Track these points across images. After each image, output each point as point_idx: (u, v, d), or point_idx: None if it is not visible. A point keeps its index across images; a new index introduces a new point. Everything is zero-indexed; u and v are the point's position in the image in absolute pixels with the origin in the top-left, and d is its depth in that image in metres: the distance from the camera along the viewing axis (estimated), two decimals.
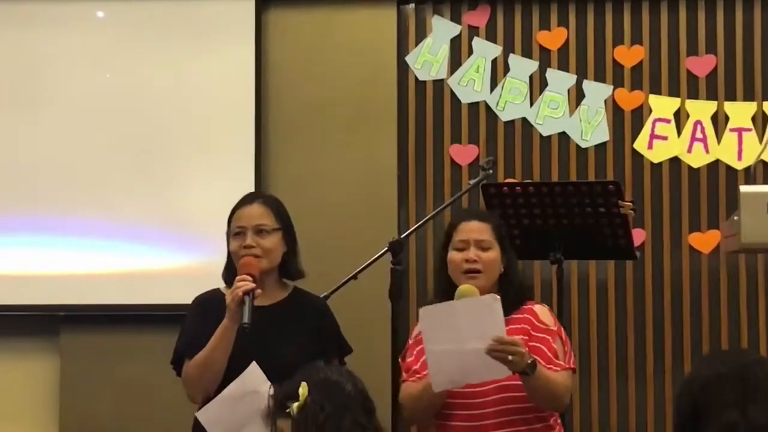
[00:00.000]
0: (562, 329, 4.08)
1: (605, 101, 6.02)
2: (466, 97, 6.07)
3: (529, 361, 3.78)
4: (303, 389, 2.92)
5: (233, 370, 3.84)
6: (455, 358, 3.78)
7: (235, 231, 4.04)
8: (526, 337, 3.91)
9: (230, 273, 4.03)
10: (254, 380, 3.80)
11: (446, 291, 4.02)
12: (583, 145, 6.02)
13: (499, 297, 3.78)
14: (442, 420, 3.99)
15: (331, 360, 4.01)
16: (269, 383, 3.79)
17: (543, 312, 4.06)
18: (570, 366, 4.00)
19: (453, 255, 4.06)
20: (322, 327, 4.08)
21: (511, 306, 3.94)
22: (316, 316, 4.08)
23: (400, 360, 4.12)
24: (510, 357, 3.73)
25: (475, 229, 4.06)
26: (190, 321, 4.08)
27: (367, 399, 3.02)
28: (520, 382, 3.86)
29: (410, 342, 4.12)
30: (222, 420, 3.80)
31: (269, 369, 3.81)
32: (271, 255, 4.01)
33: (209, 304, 4.02)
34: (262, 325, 3.88)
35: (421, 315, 3.87)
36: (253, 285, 3.84)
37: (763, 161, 5.90)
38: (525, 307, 4.03)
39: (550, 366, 3.90)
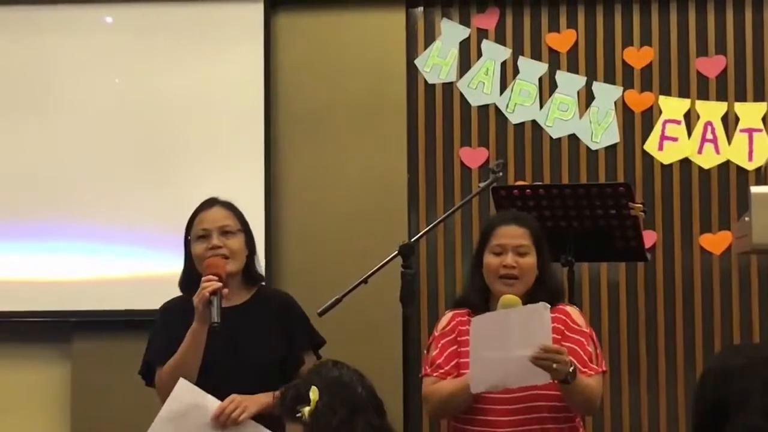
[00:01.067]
0: (593, 331, 4.09)
1: (615, 103, 6.01)
2: (475, 100, 6.06)
3: (570, 369, 3.78)
4: (314, 394, 2.88)
5: (206, 373, 3.84)
6: (499, 363, 3.79)
7: (199, 234, 4.03)
8: (560, 337, 3.92)
9: (190, 280, 4.01)
10: (188, 395, 3.78)
11: (481, 293, 4.03)
12: (593, 146, 6.01)
13: (549, 306, 3.79)
14: (475, 415, 3.98)
15: (304, 354, 4.01)
16: (210, 396, 3.78)
17: (576, 314, 4.07)
18: (602, 369, 4.02)
19: (490, 259, 4.04)
20: (291, 321, 4.06)
21: None
22: (283, 312, 4.07)
23: (425, 351, 4.12)
24: (554, 365, 3.74)
25: (513, 234, 4.04)
26: (158, 329, 4.07)
27: (378, 400, 3.00)
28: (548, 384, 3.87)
29: (436, 334, 4.11)
30: None
31: (241, 369, 3.81)
32: (238, 256, 4.01)
33: (176, 311, 4.01)
34: (231, 327, 3.86)
35: (473, 324, 3.87)
36: (219, 284, 3.83)
37: None
38: (558, 307, 4.02)
39: (585, 370, 3.92)
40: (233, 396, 3.79)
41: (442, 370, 4.00)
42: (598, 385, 3.97)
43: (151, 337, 4.09)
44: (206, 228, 4.02)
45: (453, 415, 4.04)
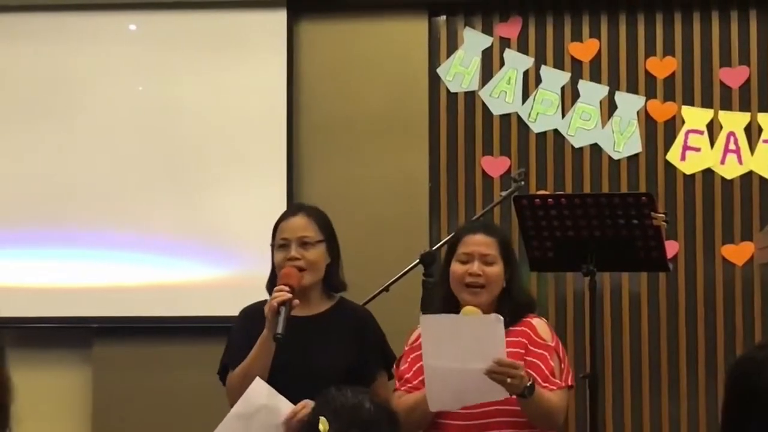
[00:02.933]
0: (560, 345, 4.04)
1: (638, 112, 6.00)
2: (497, 109, 6.06)
3: (528, 384, 3.73)
4: (323, 425, 2.86)
5: (275, 379, 3.83)
6: (454, 376, 3.73)
7: (279, 243, 4.04)
8: (523, 351, 3.89)
9: (274, 285, 4.02)
10: (262, 396, 3.77)
11: (447, 302, 3.99)
12: (616, 156, 6.00)
13: (502, 318, 3.73)
14: (435, 429, 3.95)
15: (376, 373, 4.01)
16: (281, 396, 3.77)
17: (542, 326, 4.01)
18: (567, 384, 3.96)
19: (456, 267, 4.01)
20: (366, 338, 4.06)
21: (511, 320, 3.90)
22: (359, 327, 4.07)
23: (394, 367, 4.08)
24: (509, 380, 3.68)
25: (480, 243, 4.01)
26: (235, 332, 4.08)
27: (389, 412, 2.99)
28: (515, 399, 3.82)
29: (406, 348, 4.08)
30: None
31: (309, 379, 3.79)
32: (315, 267, 4.01)
33: (254, 315, 4.01)
34: (305, 335, 3.88)
35: (422, 324, 3.83)
36: (289, 296, 3.83)
37: None
38: (524, 320, 4.00)
39: (546, 384, 3.86)
40: (306, 401, 3.78)
41: (410, 384, 3.96)
42: (561, 400, 3.90)
43: (228, 339, 4.10)
44: (286, 238, 4.02)
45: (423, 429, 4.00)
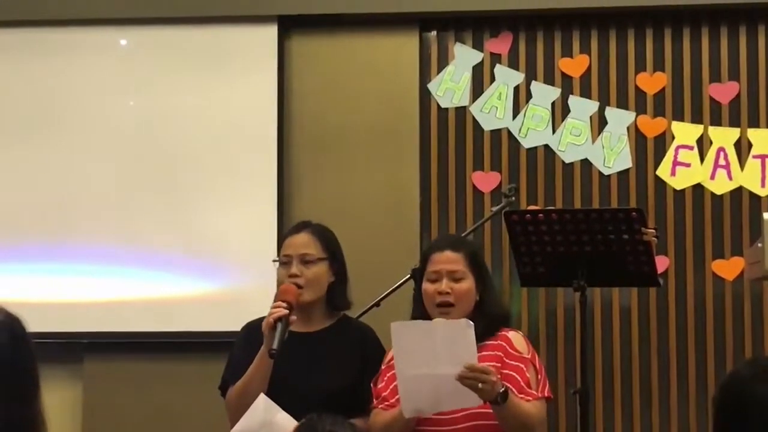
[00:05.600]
0: (537, 357, 4.06)
1: (628, 128, 6.01)
2: (488, 124, 6.07)
3: (501, 390, 3.74)
4: None
5: (274, 395, 3.83)
6: (427, 382, 3.75)
7: (282, 260, 4.07)
8: (499, 365, 3.90)
9: None
10: (265, 412, 3.78)
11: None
12: (606, 171, 6.01)
13: (472, 323, 3.75)
14: None
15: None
16: (284, 413, 3.77)
17: (517, 339, 4.03)
18: (543, 395, 3.98)
19: (426, 286, 4.03)
20: (367, 355, 4.07)
21: (485, 333, 3.91)
22: (361, 344, 4.09)
23: (371, 385, 4.08)
24: (480, 385, 3.70)
25: (447, 260, 4.03)
26: (237, 347, 4.10)
27: None
28: (490, 410, 3.82)
29: (383, 367, 4.09)
30: None
31: (308, 395, 3.80)
32: (314, 285, 4.02)
33: (256, 330, 4.02)
34: (305, 351, 3.89)
35: (393, 332, 3.82)
36: (286, 312, 3.84)
37: None
38: (500, 333, 4.01)
39: (522, 395, 3.88)
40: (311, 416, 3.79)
41: (387, 403, 3.97)
42: (537, 411, 3.92)
43: (230, 354, 4.11)
44: (288, 254, 4.08)
45: None
